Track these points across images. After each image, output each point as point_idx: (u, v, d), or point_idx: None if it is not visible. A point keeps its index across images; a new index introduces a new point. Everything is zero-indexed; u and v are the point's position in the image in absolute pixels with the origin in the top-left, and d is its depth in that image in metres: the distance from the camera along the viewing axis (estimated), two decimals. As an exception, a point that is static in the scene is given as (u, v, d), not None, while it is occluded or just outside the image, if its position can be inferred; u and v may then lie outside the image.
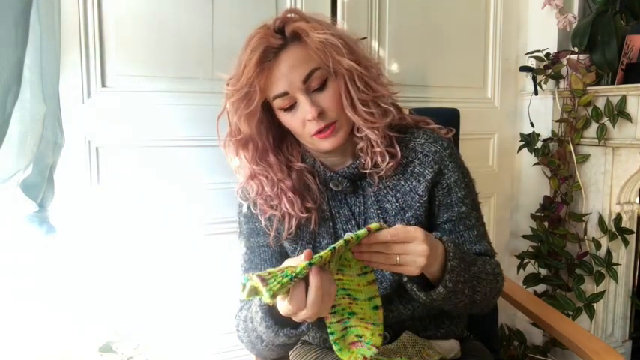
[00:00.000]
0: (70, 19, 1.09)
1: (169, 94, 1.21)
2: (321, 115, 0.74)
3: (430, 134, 0.84)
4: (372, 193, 0.81)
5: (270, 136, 0.81)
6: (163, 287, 1.23)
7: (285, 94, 0.74)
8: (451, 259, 0.68)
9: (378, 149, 0.77)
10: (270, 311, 0.66)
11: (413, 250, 0.62)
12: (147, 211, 1.20)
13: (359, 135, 0.78)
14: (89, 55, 1.12)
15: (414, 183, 0.80)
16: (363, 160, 0.79)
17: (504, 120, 1.76)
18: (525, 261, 1.66)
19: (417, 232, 0.63)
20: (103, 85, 1.14)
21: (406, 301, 0.81)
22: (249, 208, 0.85)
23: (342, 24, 1.37)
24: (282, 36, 0.75)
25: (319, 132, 0.74)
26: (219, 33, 1.25)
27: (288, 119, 0.77)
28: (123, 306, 1.17)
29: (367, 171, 0.79)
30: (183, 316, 1.26)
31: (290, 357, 0.93)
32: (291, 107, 0.75)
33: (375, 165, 0.78)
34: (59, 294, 1.06)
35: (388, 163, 0.78)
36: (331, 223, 0.82)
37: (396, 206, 0.80)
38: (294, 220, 0.79)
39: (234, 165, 0.88)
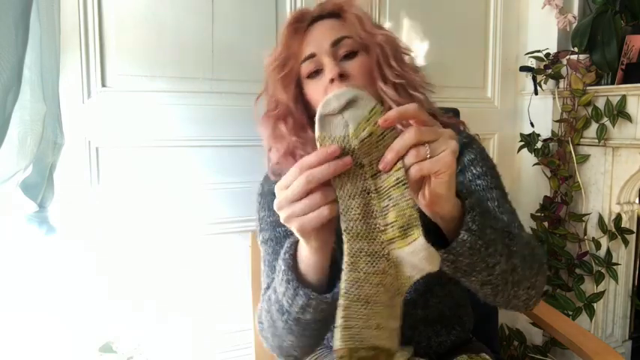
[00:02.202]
0: (70, 19, 1.09)
1: (169, 94, 1.21)
2: (343, 77, 0.72)
3: (452, 126, 0.81)
4: None
5: (306, 115, 0.80)
6: (163, 287, 1.23)
7: (312, 56, 0.74)
8: (468, 196, 0.55)
9: None
10: (294, 269, 0.60)
11: (441, 145, 0.48)
12: (147, 211, 1.20)
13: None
14: (89, 55, 1.12)
15: None
16: None
17: (504, 120, 1.76)
18: (525, 261, 1.66)
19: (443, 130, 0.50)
20: (103, 85, 1.14)
21: (425, 306, 0.80)
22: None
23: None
24: (321, 10, 0.77)
25: None
26: (219, 33, 1.25)
27: (312, 88, 0.76)
28: (123, 306, 1.17)
29: None
30: (183, 316, 1.26)
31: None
32: (317, 72, 0.75)
33: None
34: (59, 294, 1.06)
35: None
36: None
37: None
38: None
39: (267, 146, 0.84)
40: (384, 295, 0.49)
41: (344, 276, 0.49)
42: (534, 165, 1.67)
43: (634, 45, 1.53)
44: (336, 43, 0.74)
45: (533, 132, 1.65)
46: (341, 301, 0.48)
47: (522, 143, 1.67)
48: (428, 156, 0.47)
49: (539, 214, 1.67)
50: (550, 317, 1.00)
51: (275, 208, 0.52)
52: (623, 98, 1.46)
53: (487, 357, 0.80)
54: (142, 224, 1.19)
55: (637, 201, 1.65)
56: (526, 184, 1.79)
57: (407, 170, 0.47)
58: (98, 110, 1.14)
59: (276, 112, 0.80)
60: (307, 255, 0.57)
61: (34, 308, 1.00)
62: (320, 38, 0.75)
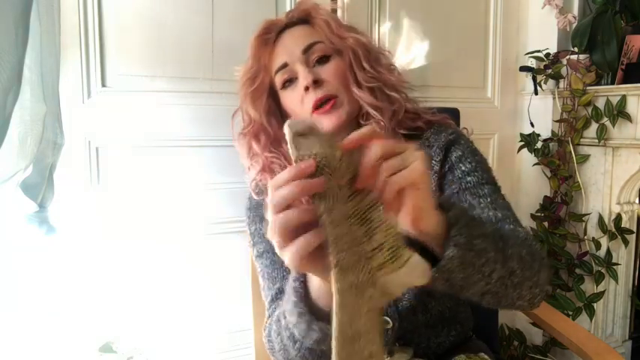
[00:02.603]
0: (70, 19, 1.09)
1: (169, 94, 1.21)
2: (318, 83, 0.71)
3: (436, 127, 0.79)
4: None
5: (280, 128, 0.78)
6: (163, 287, 1.23)
7: (285, 65, 0.73)
8: (451, 207, 0.52)
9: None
10: (305, 298, 0.56)
11: (409, 156, 0.45)
12: (147, 211, 1.20)
13: (364, 123, 0.75)
14: (89, 55, 1.12)
15: None
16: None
17: (504, 120, 1.76)
18: (525, 261, 1.66)
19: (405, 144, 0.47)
20: (103, 85, 1.14)
21: (425, 310, 0.80)
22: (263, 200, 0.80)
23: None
24: (289, 19, 0.76)
25: (318, 107, 0.71)
26: (219, 33, 1.25)
27: (288, 98, 0.75)
28: (123, 306, 1.17)
29: None
30: (183, 316, 1.26)
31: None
32: (291, 81, 0.74)
33: None
34: (59, 294, 1.06)
35: None
36: None
37: None
38: None
39: (246, 164, 0.85)
40: (373, 321, 0.46)
41: (336, 317, 0.44)
42: (534, 165, 1.67)
43: (634, 45, 1.53)
44: (307, 50, 0.73)
45: (533, 132, 1.65)
46: (334, 344, 0.44)
47: (522, 143, 1.67)
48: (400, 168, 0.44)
49: (539, 214, 1.67)
50: (550, 317, 1.00)
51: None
52: (623, 98, 1.46)
53: (485, 357, 0.80)
54: (142, 224, 1.19)
55: (637, 201, 1.65)
56: (526, 184, 1.79)
57: (383, 188, 0.44)
58: (98, 110, 1.14)
59: (249, 128, 0.79)
60: (317, 282, 0.53)
61: (34, 308, 1.00)
62: (291, 46, 0.73)
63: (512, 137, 1.76)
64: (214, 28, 1.24)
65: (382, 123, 0.74)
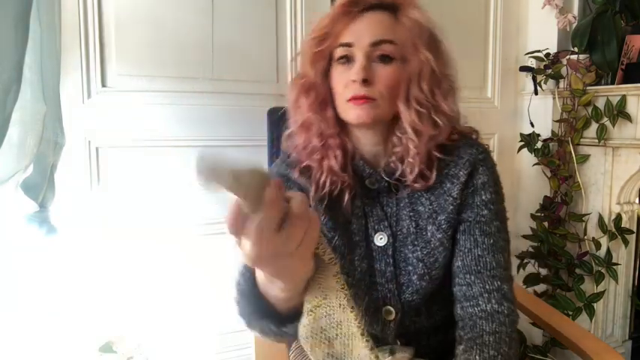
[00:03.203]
0: (70, 19, 1.09)
1: (169, 94, 1.21)
2: (365, 83, 0.71)
3: (468, 140, 0.82)
4: (405, 195, 0.78)
5: (332, 93, 0.78)
6: (163, 287, 1.23)
7: (349, 45, 0.73)
8: None
9: (414, 163, 0.74)
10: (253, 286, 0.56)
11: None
12: (147, 211, 1.20)
13: (398, 135, 0.76)
14: (89, 55, 1.12)
15: (448, 185, 0.77)
16: (392, 165, 0.76)
17: (504, 120, 1.76)
18: (525, 261, 1.66)
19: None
20: (103, 85, 1.15)
21: (429, 314, 0.80)
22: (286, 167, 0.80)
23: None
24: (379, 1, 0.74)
25: (354, 97, 0.72)
26: (219, 33, 1.25)
27: (338, 73, 0.75)
28: (123, 306, 1.17)
29: (396, 176, 0.76)
30: (183, 316, 1.26)
31: (290, 357, 0.93)
32: (347, 60, 0.74)
33: (402, 175, 0.76)
34: (59, 294, 1.06)
35: (415, 181, 0.75)
36: (364, 221, 0.79)
37: (429, 209, 0.78)
38: (329, 179, 0.75)
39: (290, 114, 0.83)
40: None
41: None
42: (534, 165, 1.67)
43: (634, 45, 1.53)
44: (375, 44, 0.72)
45: (533, 132, 1.65)
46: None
47: (522, 143, 1.67)
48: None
49: (539, 214, 1.67)
50: (550, 317, 1.00)
51: None
52: (623, 98, 1.46)
53: None
54: (142, 224, 1.19)
55: (637, 201, 1.65)
56: (526, 184, 1.79)
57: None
58: (98, 110, 1.14)
59: (302, 81, 0.78)
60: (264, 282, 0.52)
61: (34, 308, 1.00)
62: (363, 32, 0.72)
63: (512, 137, 1.76)
64: (214, 28, 1.24)
65: (414, 144, 0.74)
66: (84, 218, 1.13)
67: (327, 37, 0.74)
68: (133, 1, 1.15)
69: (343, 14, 0.73)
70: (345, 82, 0.74)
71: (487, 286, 0.74)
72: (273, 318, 0.56)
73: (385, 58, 0.73)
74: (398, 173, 0.76)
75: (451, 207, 0.76)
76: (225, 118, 1.26)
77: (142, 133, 1.18)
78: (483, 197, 0.77)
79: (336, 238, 0.76)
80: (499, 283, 0.74)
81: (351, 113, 0.73)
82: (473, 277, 0.75)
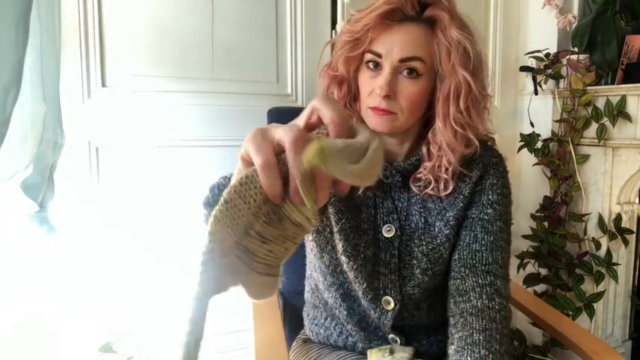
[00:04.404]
0: (70, 19, 1.09)
1: (169, 94, 1.21)
2: (388, 98, 0.72)
3: (484, 146, 0.84)
4: (416, 191, 0.80)
5: (358, 89, 0.79)
6: (163, 287, 1.23)
7: (379, 56, 0.72)
8: None
9: (447, 178, 0.76)
10: None
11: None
12: (147, 211, 1.20)
13: (432, 150, 0.77)
14: (89, 55, 1.12)
15: (459, 183, 0.79)
16: (423, 169, 0.78)
17: (504, 120, 1.76)
18: (525, 261, 1.66)
19: None
20: (103, 85, 1.15)
21: (430, 309, 0.81)
22: None
23: (342, 24, 1.37)
24: (420, 11, 0.73)
25: (376, 108, 0.73)
26: (219, 33, 1.25)
27: (365, 77, 0.75)
28: (123, 306, 1.17)
29: (420, 176, 0.78)
30: (184, 316, 1.26)
31: (290, 357, 0.93)
32: (375, 67, 0.74)
33: (428, 182, 0.78)
34: (59, 294, 1.06)
35: (436, 187, 0.77)
36: (373, 211, 0.80)
37: (439, 206, 0.79)
38: None
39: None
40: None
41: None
42: (534, 165, 1.67)
43: (634, 45, 1.53)
44: (405, 60, 0.71)
45: (533, 132, 1.65)
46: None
47: (522, 143, 1.67)
48: None
49: (539, 214, 1.67)
50: (550, 317, 1.00)
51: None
52: (623, 98, 1.46)
53: None
54: (142, 224, 1.19)
55: (637, 201, 1.65)
56: (526, 184, 1.79)
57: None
58: (98, 110, 1.14)
59: (334, 74, 0.79)
60: None
61: (34, 308, 1.00)
62: (394, 45, 0.71)
63: (512, 137, 1.76)
64: (214, 28, 1.24)
65: (448, 160, 0.76)
66: (84, 218, 1.13)
67: (359, 42, 0.74)
68: (133, 1, 1.15)
69: (380, 22, 0.72)
70: (369, 89, 0.74)
71: (480, 281, 0.74)
72: None
73: (412, 72, 0.72)
74: (424, 183, 0.78)
75: (461, 204, 0.78)
76: (225, 118, 1.26)
77: (141, 133, 1.18)
78: (490, 197, 0.80)
79: (344, 220, 0.77)
80: (492, 278, 0.75)
81: (370, 120, 0.74)
82: (467, 271, 0.76)
